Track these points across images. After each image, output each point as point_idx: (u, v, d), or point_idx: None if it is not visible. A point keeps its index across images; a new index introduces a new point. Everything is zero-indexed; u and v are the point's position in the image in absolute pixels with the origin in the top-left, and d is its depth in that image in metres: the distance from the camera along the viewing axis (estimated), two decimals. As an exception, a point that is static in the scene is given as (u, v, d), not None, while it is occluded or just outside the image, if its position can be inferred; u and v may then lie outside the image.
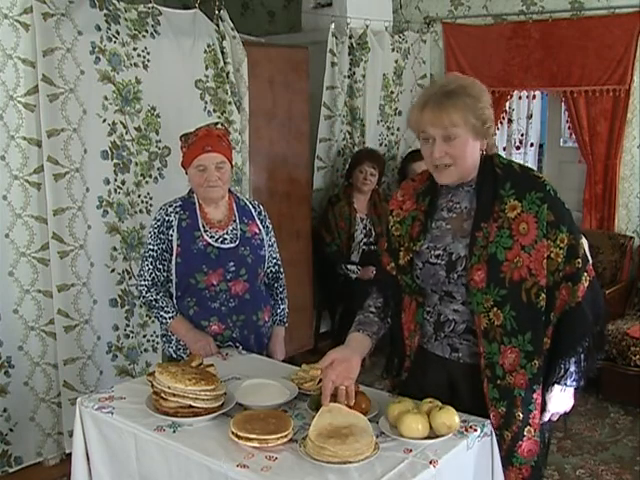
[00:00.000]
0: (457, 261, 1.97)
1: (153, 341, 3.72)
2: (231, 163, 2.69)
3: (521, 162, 2.43)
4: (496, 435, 1.95)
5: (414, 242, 2.05)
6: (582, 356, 2.00)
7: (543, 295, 1.92)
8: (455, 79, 1.97)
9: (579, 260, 1.95)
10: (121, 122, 3.44)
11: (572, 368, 2.00)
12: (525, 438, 1.98)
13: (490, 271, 1.91)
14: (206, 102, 3.81)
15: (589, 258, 2.02)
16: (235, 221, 2.67)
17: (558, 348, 1.99)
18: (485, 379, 1.97)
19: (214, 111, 3.85)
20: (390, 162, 5.20)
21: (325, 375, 1.98)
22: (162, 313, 2.61)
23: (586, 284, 1.96)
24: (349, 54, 4.82)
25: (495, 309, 1.92)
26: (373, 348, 2.16)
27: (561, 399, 2.03)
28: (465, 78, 1.98)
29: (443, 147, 1.92)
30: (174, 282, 2.63)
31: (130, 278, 3.56)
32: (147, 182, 3.60)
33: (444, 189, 2.05)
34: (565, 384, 2.01)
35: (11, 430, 3.29)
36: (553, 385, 2.01)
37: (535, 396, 1.98)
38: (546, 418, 2.05)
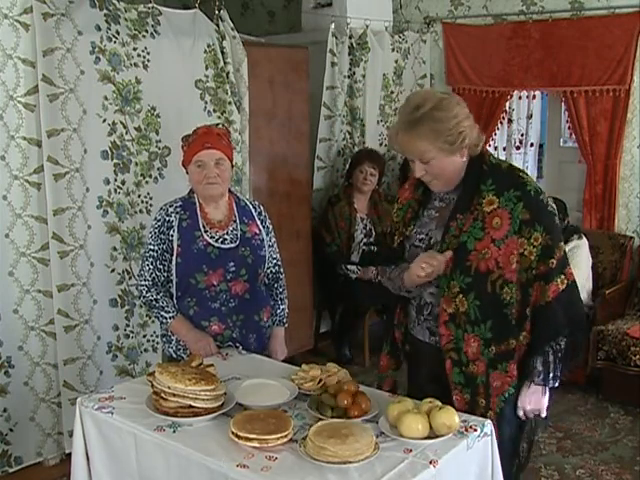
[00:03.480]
0: (434, 246, 2.11)
1: (153, 341, 3.72)
2: (231, 162, 2.69)
3: (517, 162, 2.53)
4: None
5: (406, 227, 2.22)
6: (551, 357, 2.05)
7: (507, 289, 2.01)
8: (425, 100, 2.03)
9: (553, 261, 2.02)
10: (121, 122, 3.44)
11: (539, 367, 2.06)
12: None
13: (457, 258, 2.03)
14: (206, 102, 3.81)
15: (568, 264, 2.07)
16: (235, 221, 2.67)
17: (530, 345, 2.08)
18: (449, 360, 2.08)
19: (214, 111, 3.85)
20: (390, 162, 5.21)
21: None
22: (162, 313, 2.62)
23: (562, 286, 2.03)
24: (349, 54, 4.82)
25: (460, 296, 2.04)
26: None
27: (530, 396, 2.09)
28: (435, 100, 2.03)
29: (422, 167, 2.07)
30: (174, 282, 2.63)
31: (130, 278, 3.56)
32: (147, 182, 3.60)
33: None
34: (533, 382, 2.08)
35: (11, 430, 3.29)
36: (525, 382, 2.08)
37: (491, 380, 2.07)
38: (520, 413, 2.11)
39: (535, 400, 2.10)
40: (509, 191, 2.02)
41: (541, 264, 2.01)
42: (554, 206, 2.14)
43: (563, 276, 2.03)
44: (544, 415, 2.14)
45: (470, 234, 2.03)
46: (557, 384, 2.09)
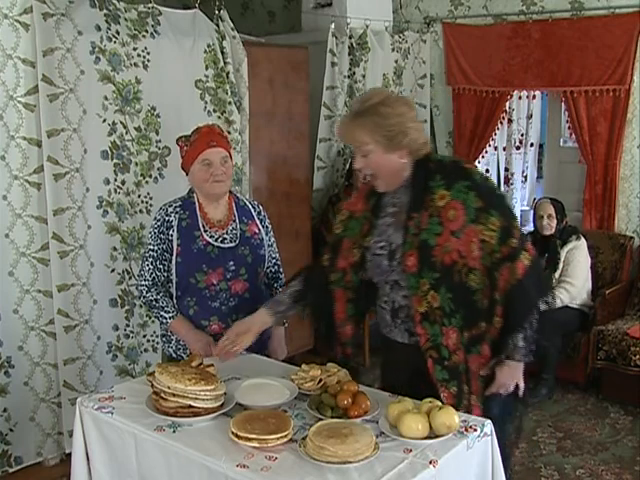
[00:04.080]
0: (396, 250, 2.15)
1: (153, 341, 3.72)
2: (232, 160, 2.71)
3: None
4: None
5: (364, 239, 2.23)
6: (529, 332, 2.11)
7: (472, 276, 2.07)
8: (373, 95, 2.12)
9: (514, 240, 2.07)
10: (121, 122, 3.44)
11: (520, 344, 2.12)
12: (473, 407, 2.11)
13: (421, 256, 2.07)
14: (206, 102, 3.81)
15: (528, 238, 2.15)
16: (235, 221, 2.68)
17: (506, 325, 2.12)
18: (430, 360, 2.11)
19: (214, 111, 3.85)
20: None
21: (226, 332, 2.35)
22: (162, 313, 2.62)
23: (526, 262, 2.08)
24: (349, 54, 4.82)
25: (432, 292, 2.07)
26: (282, 323, 2.56)
27: (510, 373, 2.16)
28: (384, 95, 2.13)
29: (361, 160, 2.14)
30: (174, 282, 2.63)
31: (130, 278, 3.56)
32: (147, 182, 3.60)
33: None
34: (514, 359, 2.13)
35: (11, 430, 3.30)
36: (504, 360, 2.14)
37: (469, 364, 2.12)
38: (493, 389, 2.16)
39: (516, 375, 2.17)
40: (458, 182, 2.07)
41: (503, 246, 2.06)
42: (501, 189, 2.19)
43: (526, 252, 2.09)
44: (522, 392, 2.22)
45: (429, 231, 2.07)
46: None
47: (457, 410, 1.97)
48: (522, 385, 2.21)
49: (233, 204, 2.71)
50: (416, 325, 2.11)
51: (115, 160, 3.44)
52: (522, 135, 6.00)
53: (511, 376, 2.17)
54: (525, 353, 2.13)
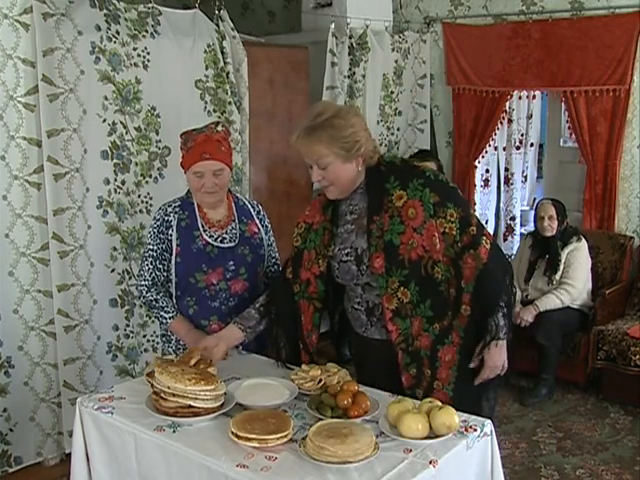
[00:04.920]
0: (362, 254, 2.21)
1: (153, 341, 3.72)
2: (230, 167, 2.64)
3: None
4: (408, 395, 2.09)
5: (327, 248, 2.29)
6: (505, 309, 2.21)
7: (437, 268, 2.17)
8: (325, 109, 2.18)
9: (473, 228, 2.18)
10: (121, 122, 3.44)
11: (501, 322, 2.20)
12: (435, 391, 2.19)
13: (388, 256, 2.15)
14: (206, 102, 3.81)
15: (483, 225, 2.24)
16: (234, 220, 2.68)
17: (484, 309, 2.20)
18: (400, 352, 2.19)
19: (214, 111, 3.85)
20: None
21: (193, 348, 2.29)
22: (162, 313, 2.62)
23: (488, 246, 2.19)
24: (349, 54, 4.81)
25: (402, 288, 2.16)
26: (248, 339, 2.45)
27: (497, 353, 2.23)
28: (335, 109, 2.21)
29: (319, 172, 2.21)
30: (174, 282, 2.63)
31: (130, 278, 3.56)
32: (147, 182, 3.60)
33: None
34: (499, 338, 2.21)
35: (11, 430, 3.30)
36: (489, 342, 2.21)
37: (440, 355, 2.21)
38: (485, 375, 2.24)
39: (504, 355, 2.24)
40: (413, 181, 2.17)
41: (464, 235, 2.16)
42: (451, 181, 2.32)
43: (485, 237, 2.19)
44: (505, 370, 2.28)
45: (392, 231, 2.15)
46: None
47: (415, 392, 2.15)
48: (506, 365, 2.26)
49: (232, 204, 2.71)
50: (387, 322, 2.19)
51: (115, 160, 3.44)
52: (522, 135, 6.00)
53: (499, 356, 2.23)
54: (507, 331, 2.21)
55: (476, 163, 5.39)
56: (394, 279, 2.15)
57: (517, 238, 5.78)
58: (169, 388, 1.95)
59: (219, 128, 2.62)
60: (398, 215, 2.15)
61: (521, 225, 6.02)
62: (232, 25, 3.93)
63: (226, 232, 2.64)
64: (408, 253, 2.14)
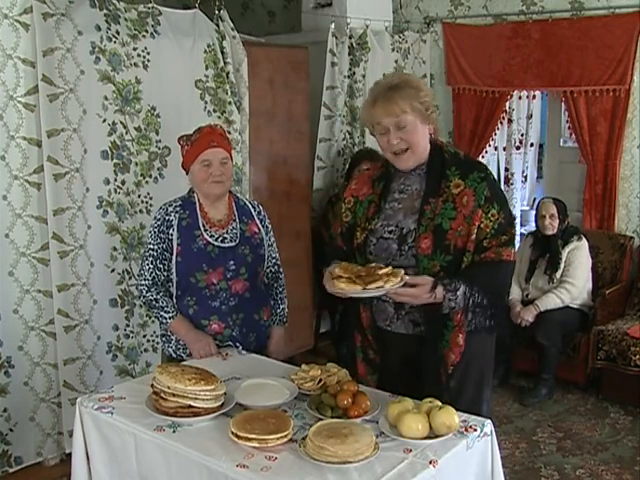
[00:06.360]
0: (407, 234, 2.20)
1: (153, 341, 3.72)
2: (232, 161, 2.71)
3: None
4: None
5: (369, 221, 2.28)
6: (475, 294, 2.16)
7: (465, 258, 2.18)
8: (397, 75, 2.27)
9: (505, 238, 2.20)
10: (121, 122, 3.44)
11: (460, 290, 2.13)
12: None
13: (436, 239, 2.15)
14: (206, 102, 3.81)
15: (514, 245, 2.27)
16: (235, 220, 2.68)
17: (463, 271, 2.19)
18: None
19: (214, 111, 3.85)
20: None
21: None
22: (162, 313, 2.62)
23: (512, 257, 2.21)
24: (349, 54, 4.81)
25: (441, 274, 2.14)
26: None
27: (426, 296, 2.15)
28: (405, 73, 2.31)
29: (398, 134, 2.19)
30: (174, 281, 2.63)
31: (130, 278, 3.56)
32: (147, 182, 3.60)
33: (397, 174, 2.31)
34: (444, 285, 2.14)
35: (11, 430, 3.29)
36: (442, 284, 2.13)
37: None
38: (402, 290, 2.09)
39: (424, 298, 2.12)
40: (473, 173, 2.20)
41: (494, 239, 2.18)
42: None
43: (506, 254, 2.19)
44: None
45: (443, 215, 2.17)
46: None
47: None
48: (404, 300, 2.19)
49: (233, 204, 2.72)
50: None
51: (115, 160, 3.44)
52: (522, 135, 6.00)
53: (423, 293, 2.09)
54: (458, 308, 2.14)
55: (476, 163, 5.38)
56: (436, 262, 2.15)
57: (517, 238, 5.78)
58: (169, 388, 1.95)
59: (217, 126, 2.72)
60: (452, 201, 2.18)
61: (521, 225, 6.03)
62: (232, 25, 3.92)
63: (227, 232, 2.64)
64: (455, 239, 2.15)
